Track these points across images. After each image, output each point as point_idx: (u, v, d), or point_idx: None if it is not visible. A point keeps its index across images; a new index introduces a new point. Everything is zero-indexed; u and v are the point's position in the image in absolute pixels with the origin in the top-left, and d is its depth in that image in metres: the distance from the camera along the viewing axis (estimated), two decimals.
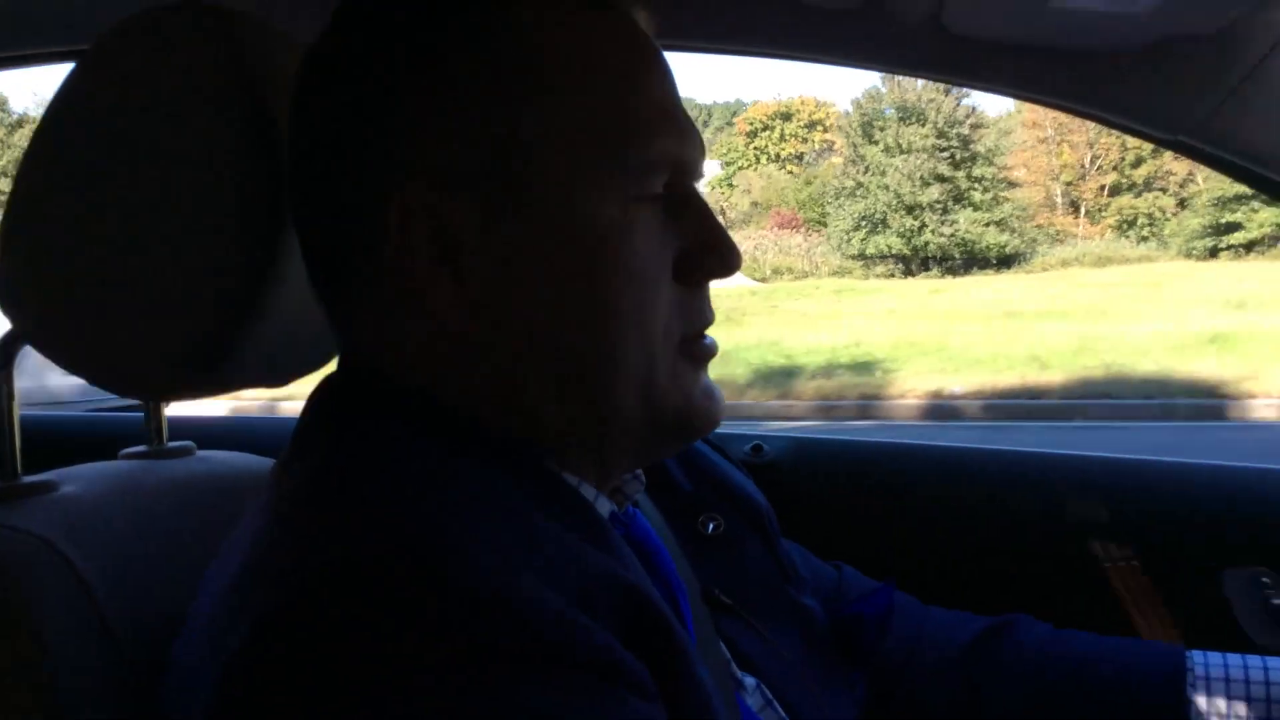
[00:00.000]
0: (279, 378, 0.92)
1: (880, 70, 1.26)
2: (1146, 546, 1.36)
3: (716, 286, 0.79)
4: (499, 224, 0.69)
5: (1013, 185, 30.48)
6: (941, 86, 27.14)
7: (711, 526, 0.92)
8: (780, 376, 12.19)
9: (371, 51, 0.70)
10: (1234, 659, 0.95)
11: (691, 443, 0.81)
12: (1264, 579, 1.30)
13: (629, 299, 0.70)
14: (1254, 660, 0.95)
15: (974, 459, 1.51)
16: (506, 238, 0.69)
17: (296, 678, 0.54)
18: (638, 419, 0.72)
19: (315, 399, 0.75)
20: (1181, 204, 28.98)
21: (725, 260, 0.75)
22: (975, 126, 29.60)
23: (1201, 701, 0.93)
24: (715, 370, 0.79)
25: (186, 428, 1.02)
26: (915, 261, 28.86)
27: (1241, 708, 0.92)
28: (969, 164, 29.21)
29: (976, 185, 28.95)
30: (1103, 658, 0.98)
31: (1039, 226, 30.91)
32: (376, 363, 0.73)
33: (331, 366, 0.81)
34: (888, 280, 26.12)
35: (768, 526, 0.95)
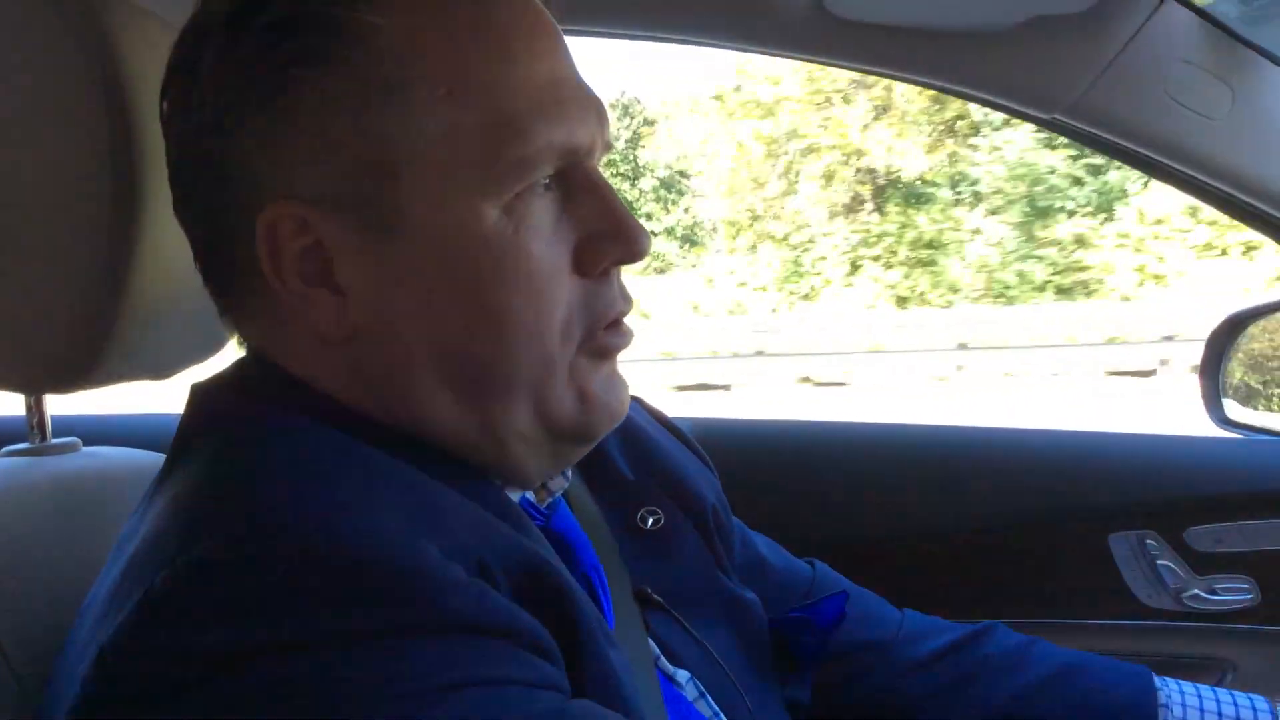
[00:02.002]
0: (164, 370, 0.89)
1: (760, 53, 1.26)
2: (1035, 513, 1.40)
3: None
4: (375, 239, 0.66)
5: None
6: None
7: (650, 521, 0.90)
8: None
9: (225, 69, 0.66)
10: (1201, 689, 0.97)
11: (595, 443, 0.77)
12: (1149, 541, 1.36)
13: (521, 305, 0.67)
14: (1222, 694, 0.96)
15: (870, 435, 1.54)
16: (383, 255, 0.66)
17: (179, 652, 0.53)
18: (531, 430, 0.70)
19: (201, 392, 0.72)
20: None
21: (630, 246, 0.71)
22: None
23: None
24: None
25: (71, 426, 0.97)
26: None
27: None
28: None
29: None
30: (1077, 669, 0.98)
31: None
32: (271, 356, 0.71)
33: (220, 359, 0.80)
34: None
35: (709, 519, 0.93)
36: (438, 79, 0.65)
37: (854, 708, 0.98)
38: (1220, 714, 0.93)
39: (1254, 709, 0.94)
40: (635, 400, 0.95)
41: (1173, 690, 0.95)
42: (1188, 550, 1.36)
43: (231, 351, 0.81)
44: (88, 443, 0.98)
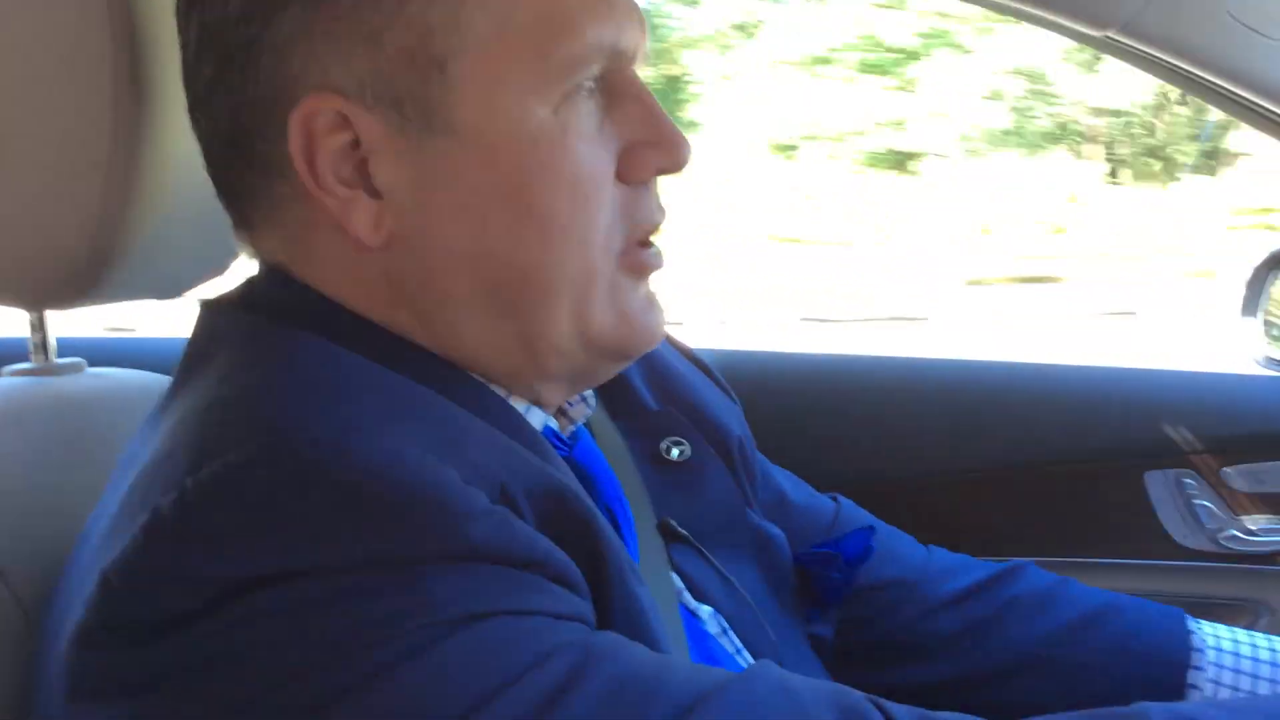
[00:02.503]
0: (169, 289, 0.88)
1: None
2: (1069, 450, 1.37)
3: None
4: (417, 138, 0.64)
5: None
6: None
7: (676, 452, 0.87)
8: None
9: None
10: (1236, 632, 0.95)
11: (629, 363, 0.76)
12: (1187, 480, 1.33)
13: (567, 208, 0.65)
14: (1258, 637, 0.94)
15: (896, 368, 1.51)
16: (426, 152, 0.64)
17: (187, 577, 0.52)
18: (569, 341, 0.68)
19: (212, 308, 0.71)
20: None
21: (672, 154, 0.70)
22: None
23: (1205, 666, 0.91)
24: None
25: (76, 348, 0.96)
26: None
27: (1243, 680, 0.91)
28: None
29: None
30: (1109, 609, 0.96)
31: None
32: (290, 272, 0.69)
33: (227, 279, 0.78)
34: None
35: (735, 453, 0.91)
36: None
37: (878, 645, 0.97)
38: (1256, 658, 0.91)
39: None
40: None
41: (1206, 633, 0.93)
42: (1226, 489, 1.34)
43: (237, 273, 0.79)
44: (94, 365, 0.96)
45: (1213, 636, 0.93)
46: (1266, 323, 1.58)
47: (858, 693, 0.58)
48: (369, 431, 0.56)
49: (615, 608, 0.62)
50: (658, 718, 0.53)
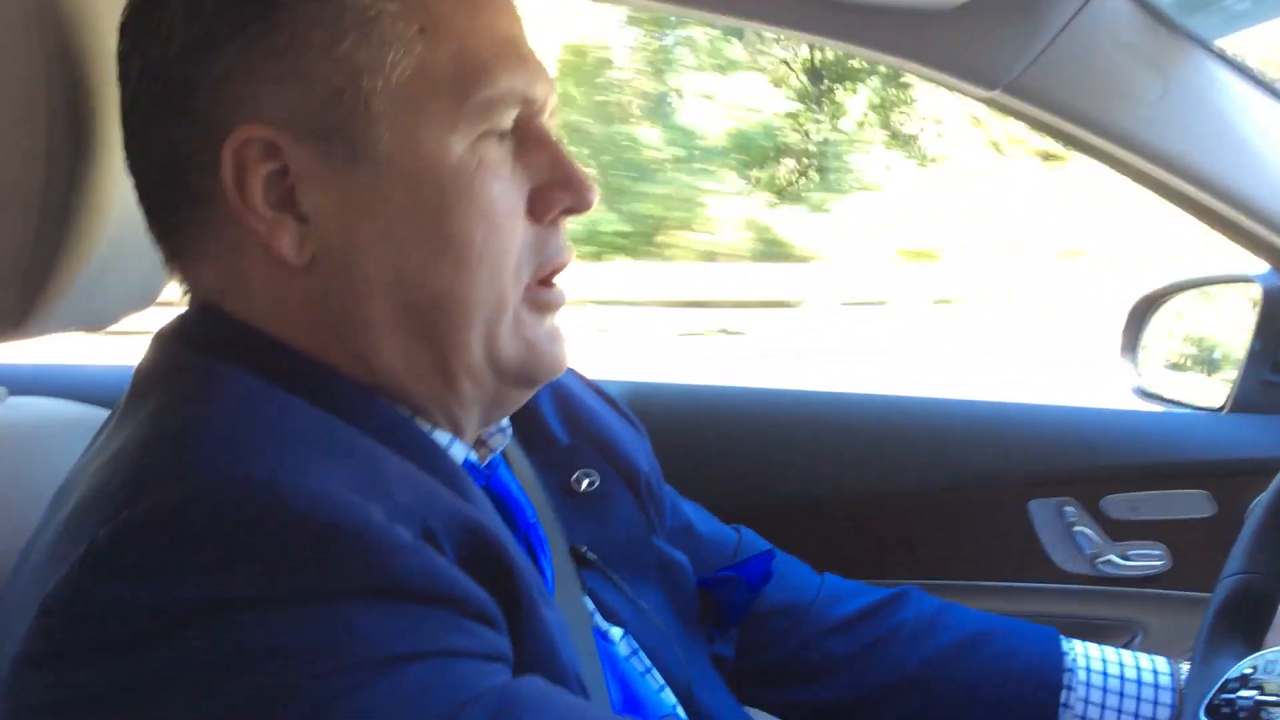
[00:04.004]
0: (98, 321, 0.88)
1: (730, 22, 1.27)
2: (958, 479, 1.44)
3: None
4: (342, 168, 0.68)
5: None
6: None
7: (586, 483, 0.92)
8: None
9: None
10: (1105, 651, 1.00)
11: (535, 389, 0.80)
12: (1068, 508, 1.41)
13: (481, 238, 0.70)
14: (1126, 656, 1.00)
15: (796, 400, 1.57)
16: (350, 182, 0.68)
17: (120, 609, 0.54)
18: (480, 365, 0.72)
19: (157, 341, 0.73)
20: None
21: (578, 195, 0.75)
22: None
23: (1076, 686, 0.97)
24: None
25: None
26: None
27: (1111, 698, 0.96)
28: None
29: None
30: (989, 633, 1.02)
31: None
32: (221, 304, 0.71)
33: (154, 308, 0.78)
34: None
35: (641, 484, 0.95)
36: (412, 16, 0.69)
37: (776, 666, 1.02)
38: (1122, 676, 0.97)
39: (1155, 670, 0.98)
40: (569, 369, 0.97)
41: (1079, 654, 0.99)
42: (1104, 517, 1.42)
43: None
44: (14, 394, 0.96)
45: (1084, 657, 0.98)
46: (1142, 359, 1.69)
47: None
48: (296, 470, 0.58)
49: (530, 634, 0.64)
50: None
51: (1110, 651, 1.00)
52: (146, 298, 0.92)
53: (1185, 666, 0.97)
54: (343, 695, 0.53)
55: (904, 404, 1.54)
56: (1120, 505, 1.42)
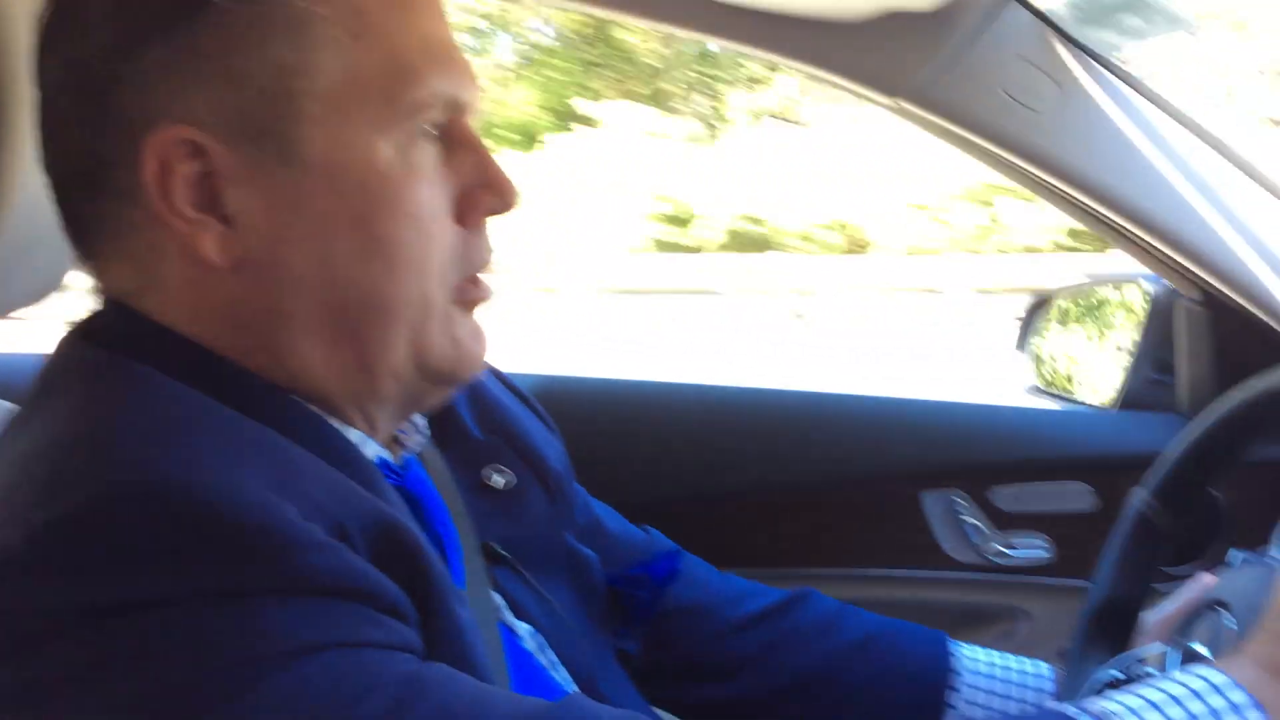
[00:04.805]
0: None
1: (636, 22, 1.28)
2: (855, 473, 1.49)
3: None
4: (269, 168, 0.68)
5: None
6: None
7: (499, 479, 0.93)
8: None
9: None
10: (991, 654, 1.05)
11: (457, 387, 0.81)
12: (958, 500, 1.46)
13: (409, 239, 0.70)
14: (1009, 658, 1.04)
15: (696, 395, 1.60)
16: (276, 183, 0.68)
17: (31, 611, 0.55)
18: (405, 365, 0.73)
19: (68, 338, 0.72)
20: None
21: (504, 197, 0.76)
22: None
23: (960, 687, 1.01)
24: None
25: None
26: None
27: (995, 700, 1.01)
28: None
29: None
30: (881, 635, 1.05)
31: None
32: (135, 303, 0.71)
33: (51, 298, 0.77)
34: None
35: (553, 481, 0.97)
36: (343, 19, 0.68)
37: (680, 664, 1.04)
38: (1007, 679, 1.02)
39: (1036, 674, 1.03)
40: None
41: (964, 655, 1.03)
42: (992, 509, 1.47)
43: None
44: None
45: (970, 659, 1.03)
46: (1034, 357, 1.75)
47: None
48: (209, 470, 0.59)
49: (439, 630, 0.66)
50: None
51: (996, 656, 1.04)
52: (48, 288, 0.90)
53: None
54: (249, 686, 0.55)
55: (802, 399, 1.58)
56: (1008, 497, 1.47)
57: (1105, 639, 0.97)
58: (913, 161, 11.54)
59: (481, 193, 0.75)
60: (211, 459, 0.60)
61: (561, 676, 0.87)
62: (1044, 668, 1.04)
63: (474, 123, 0.77)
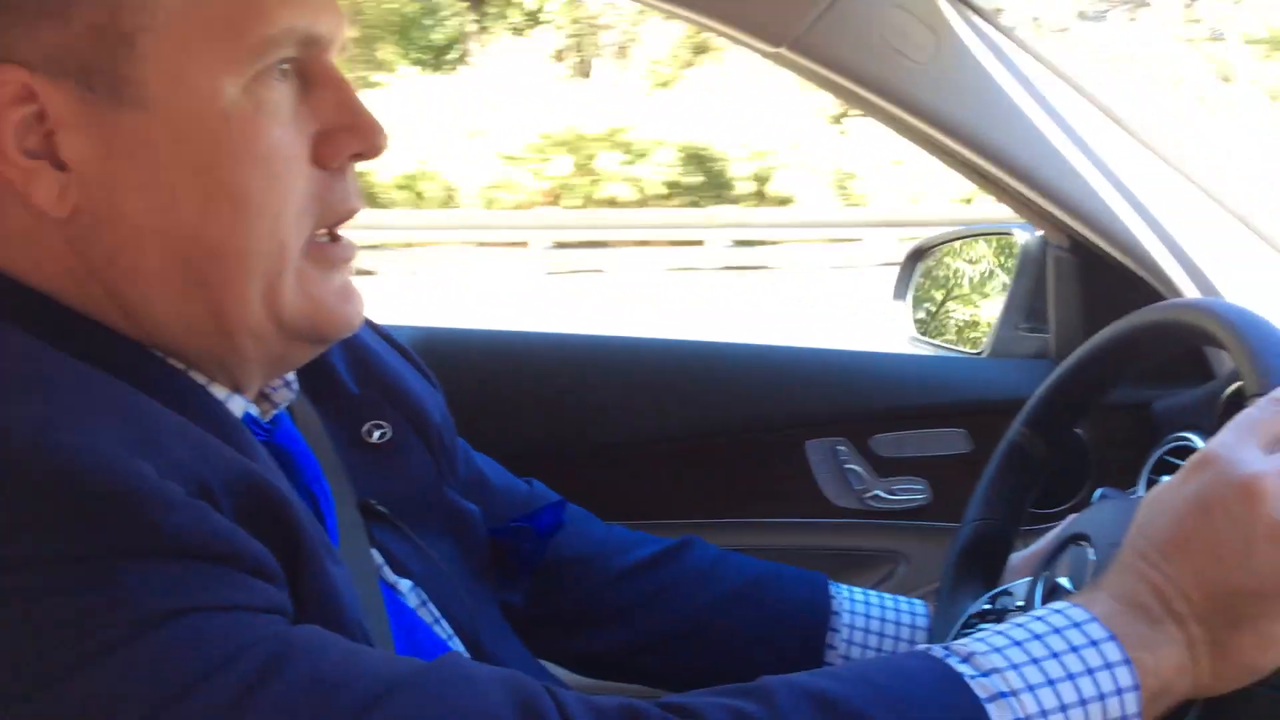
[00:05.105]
0: None
1: None
2: (739, 422, 1.50)
3: None
4: (106, 112, 0.64)
5: None
6: None
7: (377, 434, 0.90)
8: None
9: None
10: (869, 594, 1.07)
11: (324, 348, 0.78)
12: (840, 447, 1.48)
13: (258, 185, 0.67)
14: (886, 598, 1.07)
15: (579, 345, 1.59)
16: (114, 128, 0.65)
17: None
18: (261, 321, 0.70)
19: None
20: None
21: (368, 139, 0.72)
22: None
23: (840, 628, 1.03)
24: None
25: None
26: None
27: (871, 638, 1.03)
28: None
29: None
30: (763, 579, 1.07)
31: None
32: None
33: None
34: None
35: (434, 435, 0.95)
36: None
37: (566, 614, 1.04)
38: (884, 618, 1.05)
39: (912, 612, 1.06)
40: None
41: (844, 596, 1.05)
42: (873, 455, 1.50)
43: None
44: None
45: (849, 600, 1.05)
46: (910, 306, 1.79)
47: (535, 682, 0.62)
48: (64, 428, 0.57)
49: (311, 589, 0.64)
50: (347, 710, 0.56)
51: (874, 596, 1.07)
52: None
53: None
54: (109, 652, 0.53)
55: (686, 349, 1.58)
56: (887, 444, 1.50)
57: (976, 573, 0.99)
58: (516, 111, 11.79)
59: (343, 134, 0.71)
60: (64, 417, 0.58)
61: (444, 631, 0.86)
62: (920, 606, 1.07)
63: (336, 58, 0.73)
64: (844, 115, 12.40)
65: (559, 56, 14.77)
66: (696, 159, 12.72)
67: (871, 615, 1.04)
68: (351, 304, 0.75)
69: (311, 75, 0.71)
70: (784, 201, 12.65)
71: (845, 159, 12.79)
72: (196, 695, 0.53)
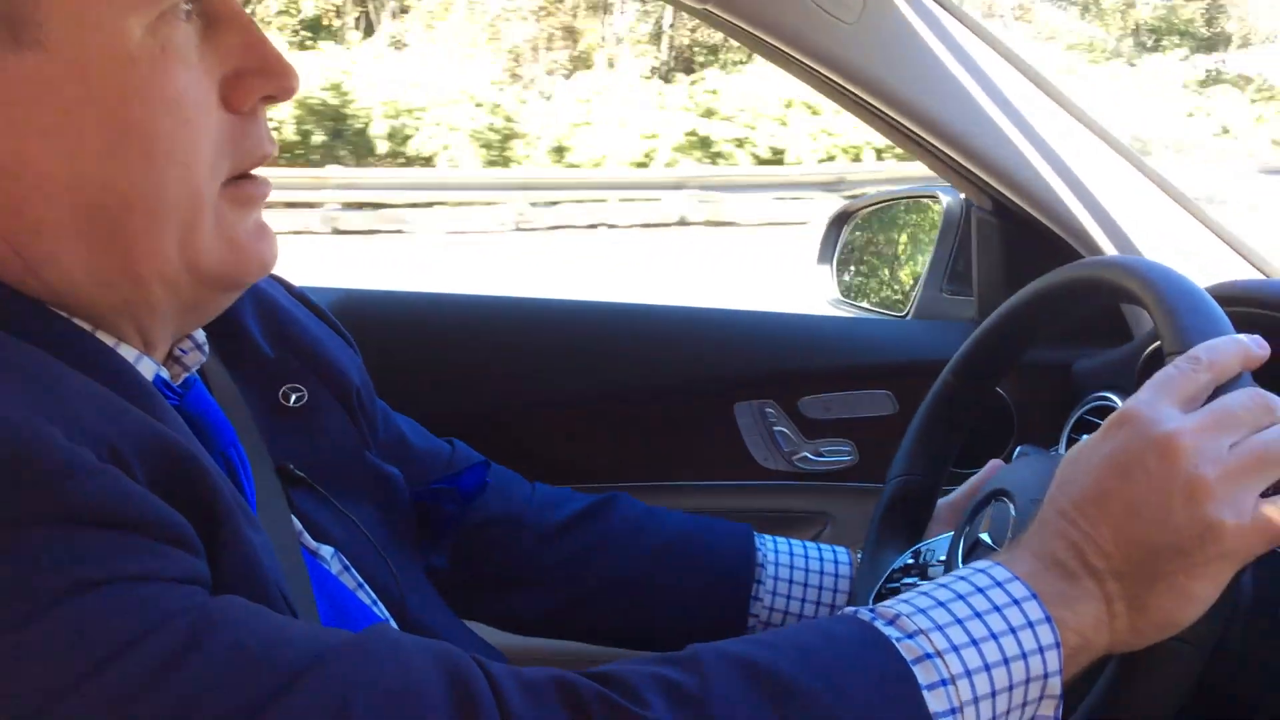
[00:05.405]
0: None
1: None
2: (667, 384, 1.49)
3: None
4: (3, 56, 0.61)
5: None
6: None
7: (294, 398, 0.88)
8: None
9: None
10: (793, 544, 1.08)
11: (239, 293, 0.76)
12: (768, 410, 1.49)
13: (167, 130, 0.64)
14: (810, 547, 1.08)
15: (503, 307, 1.57)
16: (13, 69, 0.61)
17: None
18: (176, 270, 0.67)
19: None
20: None
21: (277, 81, 0.70)
22: None
23: (765, 580, 1.04)
24: None
25: None
26: None
27: (795, 589, 1.04)
28: None
29: None
30: (689, 533, 1.07)
31: None
32: None
33: None
34: None
35: (353, 397, 0.93)
36: None
37: (494, 576, 1.04)
38: (806, 568, 1.06)
39: (835, 560, 1.07)
40: (276, 279, 0.93)
41: (769, 549, 1.06)
42: (800, 417, 1.51)
43: None
44: None
45: (774, 552, 1.06)
46: (835, 269, 1.79)
47: (465, 655, 0.61)
48: None
49: (230, 557, 0.62)
50: (270, 684, 0.54)
51: (798, 546, 1.08)
52: None
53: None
54: (22, 625, 0.50)
55: (612, 310, 1.57)
56: (815, 406, 1.51)
57: (900, 528, 1.00)
58: None
59: (253, 77, 0.69)
60: None
61: (368, 597, 0.85)
62: (843, 554, 1.08)
63: None
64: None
65: None
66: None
67: (796, 565, 1.05)
68: (267, 242, 0.73)
69: (215, 16, 0.68)
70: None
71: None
72: (112, 671, 0.51)
